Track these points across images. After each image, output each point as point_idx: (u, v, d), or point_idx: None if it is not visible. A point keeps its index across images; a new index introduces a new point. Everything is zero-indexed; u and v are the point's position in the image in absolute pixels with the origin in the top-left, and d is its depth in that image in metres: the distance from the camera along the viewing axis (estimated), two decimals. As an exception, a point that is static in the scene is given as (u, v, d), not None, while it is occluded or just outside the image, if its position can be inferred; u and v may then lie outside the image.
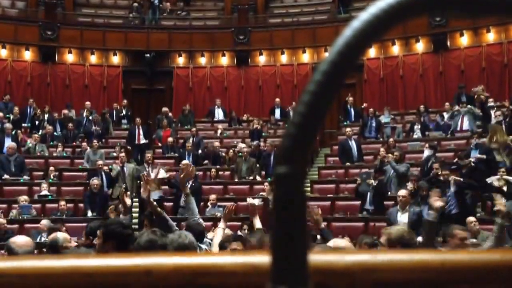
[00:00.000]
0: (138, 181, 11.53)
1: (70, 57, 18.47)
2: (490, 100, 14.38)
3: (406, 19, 0.47)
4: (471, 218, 8.04)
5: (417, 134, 14.40)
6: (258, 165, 13.29)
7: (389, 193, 10.98)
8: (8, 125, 14.10)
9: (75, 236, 7.14)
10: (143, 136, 15.09)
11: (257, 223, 4.82)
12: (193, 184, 10.37)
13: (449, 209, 9.33)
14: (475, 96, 14.20)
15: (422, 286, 0.62)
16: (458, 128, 13.71)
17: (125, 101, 17.52)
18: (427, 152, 12.07)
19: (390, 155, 11.61)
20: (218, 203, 10.90)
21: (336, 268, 0.61)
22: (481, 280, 0.62)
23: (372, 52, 17.52)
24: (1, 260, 0.67)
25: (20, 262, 0.67)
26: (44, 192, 11.67)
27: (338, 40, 0.46)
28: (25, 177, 12.45)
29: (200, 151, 14.23)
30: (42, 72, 18.23)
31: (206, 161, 13.77)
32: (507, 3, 0.46)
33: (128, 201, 4.81)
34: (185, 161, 12.38)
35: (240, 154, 13.53)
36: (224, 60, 18.96)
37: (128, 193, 5.02)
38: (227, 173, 13.45)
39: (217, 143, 14.55)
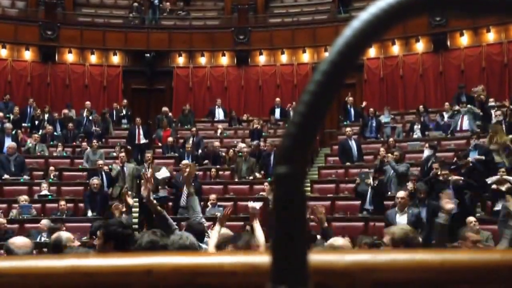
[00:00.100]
0: (138, 181, 11.54)
1: (70, 57, 18.47)
2: (491, 100, 14.38)
3: (406, 19, 0.47)
4: (471, 218, 8.04)
5: (417, 134, 14.41)
6: (258, 165, 13.30)
7: (389, 193, 10.98)
8: (8, 125, 14.10)
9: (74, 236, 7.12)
10: (143, 136, 15.10)
11: (257, 227, 4.82)
12: (193, 184, 10.36)
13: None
14: (475, 96, 14.20)
15: (422, 286, 0.62)
16: (458, 128, 13.71)
17: (125, 101, 17.52)
18: (427, 152, 12.07)
19: (389, 155, 11.61)
20: (218, 203, 10.90)
21: (336, 268, 0.61)
22: (481, 280, 0.62)
23: (372, 52, 17.51)
24: (1, 260, 0.67)
25: (20, 262, 0.67)
26: (44, 192, 11.67)
27: (338, 40, 0.46)
28: (25, 177, 12.45)
29: (200, 151, 14.24)
30: (42, 72, 18.23)
31: (206, 161, 13.77)
32: (507, 3, 0.46)
33: (130, 200, 4.82)
34: (185, 161, 12.40)
35: (240, 154, 13.53)
36: (224, 60, 18.96)
37: (130, 192, 5.02)
38: (227, 173, 13.45)
39: (217, 143, 14.55)
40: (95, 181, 11.24)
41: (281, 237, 0.46)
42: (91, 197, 11.22)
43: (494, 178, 9.97)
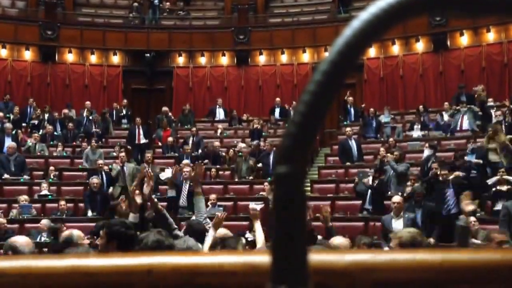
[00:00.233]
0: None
1: (70, 57, 18.47)
2: (490, 99, 14.39)
3: (406, 19, 0.47)
4: (471, 218, 8.02)
5: (417, 133, 14.43)
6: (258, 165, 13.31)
7: (389, 192, 10.98)
8: (8, 125, 14.10)
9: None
10: (143, 135, 15.10)
11: (258, 227, 4.84)
12: (191, 184, 10.36)
13: (448, 208, 9.33)
14: (475, 96, 14.21)
15: (422, 286, 0.62)
16: (458, 128, 13.71)
17: (125, 101, 17.52)
18: (427, 152, 12.07)
19: (389, 154, 11.62)
20: (218, 203, 10.89)
21: (336, 268, 0.61)
22: (481, 280, 0.62)
23: (372, 51, 17.51)
24: (1, 260, 0.67)
25: (21, 262, 0.67)
26: (44, 191, 11.67)
27: (338, 39, 0.46)
28: (25, 176, 12.45)
29: (200, 151, 14.24)
30: (42, 72, 18.23)
31: (206, 161, 13.77)
32: (507, 3, 0.46)
33: (139, 199, 4.82)
34: (185, 161, 12.40)
35: (240, 154, 13.53)
36: (224, 60, 18.96)
37: (138, 191, 5.00)
38: (227, 172, 13.45)
39: (217, 143, 14.55)
40: (94, 180, 11.24)
41: (281, 237, 0.46)
42: (91, 197, 11.21)
43: (494, 178, 9.97)
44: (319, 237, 5.76)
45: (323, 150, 15.26)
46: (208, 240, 4.48)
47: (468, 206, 4.59)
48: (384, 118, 15.50)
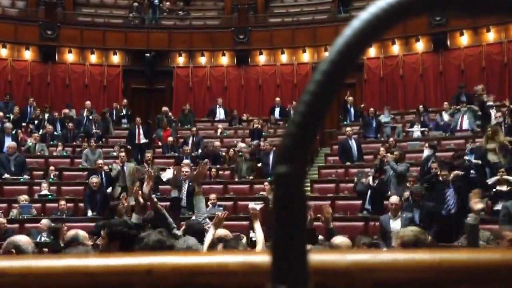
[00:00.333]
0: (139, 181, 11.53)
1: (70, 57, 18.47)
2: (490, 99, 14.39)
3: (406, 19, 0.47)
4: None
5: (417, 133, 14.44)
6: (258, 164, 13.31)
7: (389, 192, 10.98)
8: (8, 125, 14.10)
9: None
10: (143, 135, 15.10)
11: (258, 227, 4.85)
12: (190, 184, 10.36)
13: (448, 208, 9.33)
14: (475, 95, 14.21)
15: (422, 286, 0.62)
16: (458, 127, 13.71)
17: (125, 100, 17.52)
18: (427, 152, 12.07)
19: (389, 154, 11.62)
20: (218, 203, 10.89)
21: (336, 268, 0.61)
22: (480, 280, 0.62)
23: (372, 51, 17.52)
24: (1, 260, 0.67)
25: (20, 262, 0.67)
26: (44, 191, 11.67)
27: (338, 39, 0.46)
28: (25, 176, 12.45)
29: (200, 151, 14.23)
30: (42, 72, 18.24)
31: (206, 160, 13.76)
32: (507, 2, 0.46)
33: (141, 200, 4.82)
34: (186, 161, 12.41)
35: (240, 153, 13.53)
36: (224, 60, 18.96)
37: (140, 192, 4.99)
38: (227, 172, 13.45)
39: (217, 143, 14.55)
40: (94, 179, 11.24)
41: (281, 237, 0.46)
42: (91, 197, 11.21)
43: (494, 178, 9.97)
44: (320, 237, 5.76)
45: (323, 150, 15.26)
46: (208, 238, 4.48)
47: (477, 204, 4.55)
48: (384, 118, 15.50)
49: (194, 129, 15.17)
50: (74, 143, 14.96)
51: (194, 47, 18.95)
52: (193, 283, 0.63)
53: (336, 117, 16.32)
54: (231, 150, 13.95)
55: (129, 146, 14.67)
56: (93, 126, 15.58)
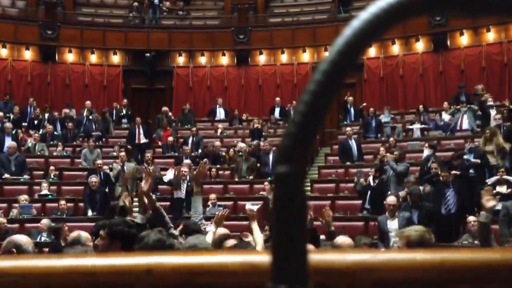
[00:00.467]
0: (138, 180, 11.53)
1: (70, 57, 18.47)
2: (490, 99, 14.38)
3: (406, 19, 0.47)
4: (471, 218, 8.04)
5: (416, 133, 14.44)
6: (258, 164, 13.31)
7: (389, 192, 10.98)
8: (8, 125, 14.10)
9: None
10: (143, 135, 15.11)
11: (255, 228, 4.85)
12: (189, 184, 10.36)
13: (448, 208, 9.34)
14: (475, 95, 14.22)
15: (422, 286, 0.62)
16: (458, 127, 13.72)
17: (125, 100, 17.52)
18: (426, 152, 12.07)
19: (388, 154, 11.63)
20: (218, 203, 10.90)
21: (336, 268, 0.61)
22: (481, 279, 0.62)
23: (372, 51, 17.52)
24: (1, 260, 0.67)
25: (21, 261, 0.67)
26: (44, 191, 11.67)
27: (338, 39, 0.46)
28: (25, 176, 12.44)
29: (200, 151, 14.23)
30: (42, 72, 18.23)
31: (205, 160, 13.76)
32: (507, 2, 0.46)
33: (146, 200, 4.82)
34: (187, 161, 12.40)
35: (240, 153, 13.53)
36: (224, 60, 18.96)
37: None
38: (227, 172, 13.45)
39: (217, 143, 14.54)
40: (93, 179, 11.24)
41: (281, 237, 0.46)
42: (91, 196, 11.21)
43: (494, 178, 9.97)
44: (322, 236, 5.75)
45: (323, 150, 15.26)
46: (209, 236, 4.49)
47: (489, 201, 4.46)
48: (384, 118, 15.51)
49: (194, 129, 15.16)
50: (74, 143, 14.96)
51: (194, 47, 18.95)
52: (193, 283, 0.63)
53: (336, 117, 16.32)
54: (231, 150, 13.95)
55: (129, 146, 14.68)
56: (93, 126, 15.57)
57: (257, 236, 4.76)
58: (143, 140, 15.05)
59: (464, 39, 17.02)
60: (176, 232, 4.46)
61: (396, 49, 17.74)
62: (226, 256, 0.65)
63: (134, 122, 15.49)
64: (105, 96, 18.52)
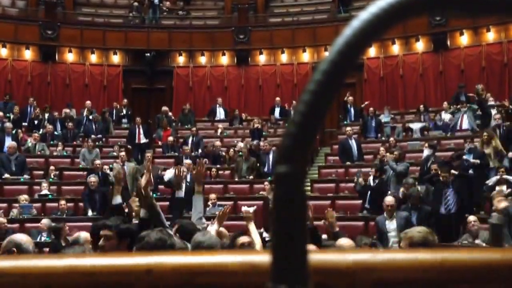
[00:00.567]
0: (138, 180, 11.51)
1: (70, 57, 18.47)
2: (490, 99, 14.39)
3: (406, 19, 0.47)
4: (471, 218, 8.04)
5: (416, 133, 14.44)
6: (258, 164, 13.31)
7: (389, 192, 10.98)
8: (8, 124, 14.10)
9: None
10: (143, 135, 15.10)
11: (253, 229, 4.86)
12: (188, 184, 10.35)
13: (448, 208, 9.34)
14: (475, 95, 14.21)
15: (422, 286, 0.62)
16: (458, 127, 13.72)
17: (125, 100, 17.52)
18: (426, 152, 12.07)
19: (388, 154, 11.63)
20: (218, 203, 10.89)
21: (336, 268, 0.61)
22: (481, 279, 0.62)
23: (372, 51, 17.52)
24: (1, 260, 0.67)
25: (21, 261, 0.67)
26: (45, 191, 11.66)
27: (338, 39, 0.46)
28: (25, 176, 12.44)
29: (200, 151, 14.23)
30: (43, 71, 18.24)
31: (205, 159, 13.76)
32: (507, 2, 0.46)
33: (143, 191, 4.85)
34: (187, 161, 12.38)
35: (240, 153, 13.53)
36: (224, 60, 18.96)
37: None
38: (227, 172, 13.45)
39: (217, 143, 14.54)
40: (92, 179, 11.23)
41: (281, 237, 0.46)
42: (90, 196, 11.20)
43: (494, 178, 9.97)
44: (324, 236, 5.75)
45: (323, 150, 15.26)
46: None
47: (501, 202, 4.41)
48: (384, 118, 15.51)
49: (194, 129, 15.16)
50: (74, 143, 14.96)
51: (194, 46, 18.95)
52: (193, 283, 0.63)
53: (336, 117, 16.32)
54: (231, 150, 13.95)
55: (129, 146, 14.68)
56: (93, 126, 15.57)
57: (256, 236, 4.76)
58: (143, 140, 15.05)
59: (464, 39, 17.02)
60: (171, 231, 4.46)
61: (396, 49, 17.74)
62: (226, 256, 0.65)
63: (134, 122, 15.49)
64: (105, 96, 18.52)
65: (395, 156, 11.45)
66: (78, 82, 18.46)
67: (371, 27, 0.46)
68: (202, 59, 18.99)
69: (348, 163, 13.01)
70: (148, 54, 18.65)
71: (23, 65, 18.08)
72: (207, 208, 10.90)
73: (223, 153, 14.00)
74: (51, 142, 14.68)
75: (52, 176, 12.56)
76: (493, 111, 13.12)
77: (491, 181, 9.99)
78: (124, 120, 16.73)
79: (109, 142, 15.53)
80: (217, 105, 17.49)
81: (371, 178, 11.01)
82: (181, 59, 18.98)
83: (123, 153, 12.76)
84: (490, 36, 16.65)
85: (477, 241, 7.67)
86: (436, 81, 17.43)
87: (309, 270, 0.46)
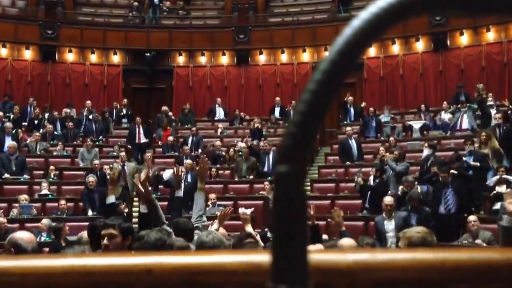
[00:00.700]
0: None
1: (70, 56, 18.47)
2: (490, 98, 14.39)
3: (406, 18, 0.47)
4: (471, 218, 8.04)
5: (416, 133, 14.44)
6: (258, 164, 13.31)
7: (389, 192, 10.98)
8: (8, 124, 14.09)
9: (75, 235, 7.12)
10: (143, 135, 15.10)
11: (250, 231, 4.88)
12: (186, 184, 10.35)
13: (448, 208, 9.33)
14: (475, 94, 14.21)
15: (422, 286, 0.62)
16: (458, 127, 13.71)
17: (125, 100, 17.53)
18: (426, 152, 12.06)
19: (388, 154, 11.63)
20: (218, 202, 10.90)
21: (336, 268, 0.61)
22: (481, 279, 0.62)
23: (372, 51, 17.52)
24: (1, 260, 0.67)
25: (20, 261, 0.67)
26: (45, 191, 11.66)
27: (338, 39, 0.46)
28: (25, 176, 12.44)
29: (200, 151, 14.23)
30: (43, 71, 18.24)
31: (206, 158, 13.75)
32: (507, 2, 0.46)
33: (142, 188, 4.86)
34: (188, 161, 12.39)
35: (240, 153, 13.53)
36: (224, 59, 18.96)
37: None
38: (227, 172, 13.45)
39: (218, 143, 14.54)
40: (90, 178, 11.23)
41: (281, 237, 0.46)
42: (89, 196, 11.19)
43: (494, 178, 9.97)
44: (324, 236, 5.77)
45: (323, 150, 15.26)
46: None
47: (511, 205, 4.37)
48: (384, 118, 15.51)
49: (194, 128, 15.16)
50: (74, 142, 14.96)
51: (194, 46, 18.95)
52: (193, 283, 0.63)
53: (336, 117, 16.32)
54: (231, 150, 13.95)
55: (129, 146, 14.68)
56: (93, 126, 15.57)
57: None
58: (143, 140, 15.05)
59: (464, 39, 17.02)
60: (169, 229, 4.46)
61: (396, 48, 17.74)
62: (226, 256, 0.65)
63: (134, 122, 15.49)
64: (105, 96, 18.52)
65: (395, 156, 11.45)
66: (78, 82, 18.46)
67: (371, 26, 0.46)
68: (202, 59, 19.00)
69: (348, 163, 13.01)
70: (148, 54, 18.66)
71: (23, 65, 18.08)
72: (207, 208, 10.90)
73: (223, 153, 14.00)
74: (51, 142, 14.68)
75: (52, 176, 12.56)
76: (493, 111, 13.12)
77: (491, 181, 9.98)
78: (124, 120, 16.73)
79: (109, 142, 15.53)
80: (216, 105, 17.49)
81: (371, 178, 11.01)
82: (181, 59, 18.98)
83: (123, 153, 12.76)
84: (490, 36, 16.65)
85: (477, 241, 7.67)
86: (436, 80, 17.43)
87: (309, 270, 0.46)
